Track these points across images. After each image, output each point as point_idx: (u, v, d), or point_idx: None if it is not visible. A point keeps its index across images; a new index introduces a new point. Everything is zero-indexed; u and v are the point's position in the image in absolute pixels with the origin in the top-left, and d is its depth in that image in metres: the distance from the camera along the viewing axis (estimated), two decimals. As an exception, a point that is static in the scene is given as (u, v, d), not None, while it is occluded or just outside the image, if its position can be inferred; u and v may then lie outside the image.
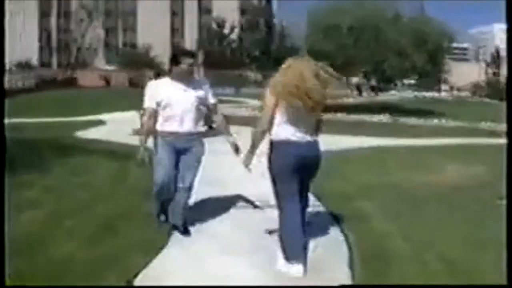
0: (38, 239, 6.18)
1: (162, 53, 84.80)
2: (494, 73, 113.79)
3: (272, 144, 5.61)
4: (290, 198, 5.56)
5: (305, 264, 5.39)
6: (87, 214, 7.39)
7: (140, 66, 73.83)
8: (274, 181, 5.69)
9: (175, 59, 6.34)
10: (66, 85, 58.50)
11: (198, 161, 6.53)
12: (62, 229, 6.63)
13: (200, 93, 6.45)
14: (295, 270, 5.31)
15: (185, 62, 6.30)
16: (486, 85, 56.65)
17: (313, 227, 6.38)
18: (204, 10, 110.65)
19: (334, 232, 6.70)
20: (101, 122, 22.73)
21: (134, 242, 6.19)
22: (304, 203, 5.82)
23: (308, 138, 5.58)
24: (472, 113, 28.56)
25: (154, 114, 6.32)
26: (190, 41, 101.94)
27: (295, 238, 5.47)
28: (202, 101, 6.45)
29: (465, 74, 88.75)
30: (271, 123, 5.55)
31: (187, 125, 6.36)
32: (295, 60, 5.60)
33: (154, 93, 6.34)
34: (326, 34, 28.15)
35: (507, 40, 7.98)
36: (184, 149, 6.41)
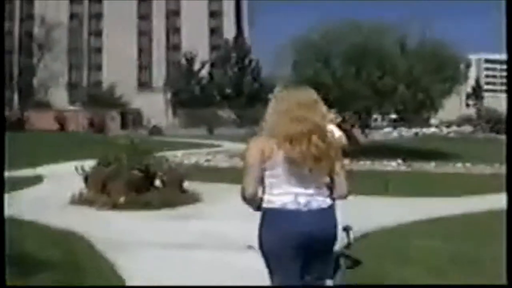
0: None
1: (128, 92, 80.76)
2: (475, 105, 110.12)
3: (262, 213, 4.11)
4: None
5: None
6: None
7: (103, 106, 68.11)
8: (266, 261, 4.17)
9: None
10: (14, 128, 51.61)
11: None
12: None
13: None
14: None
15: None
16: (477, 118, 51.97)
17: None
18: (172, 46, 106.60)
19: None
20: (36, 180, 17.45)
21: None
22: None
23: (314, 204, 4.07)
24: (493, 153, 24.06)
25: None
26: (158, 78, 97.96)
27: None
28: None
29: (446, 106, 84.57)
30: (257, 185, 4.09)
31: None
32: (287, 92, 4.46)
33: None
34: (318, 64, 23.39)
35: (507, 45, 6.79)
36: None
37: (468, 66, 25.77)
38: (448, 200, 12.92)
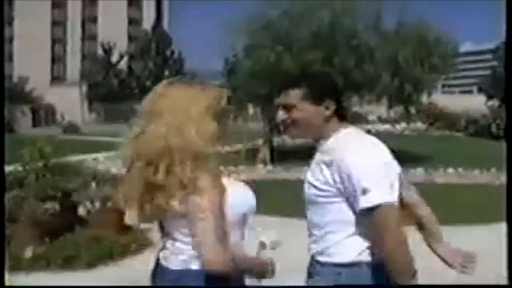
0: None
1: (40, 85, 75.68)
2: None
3: None
4: None
5: None
6: None
7: (13, 101, 62.00)
8: None
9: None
10: None
11: None
12: None
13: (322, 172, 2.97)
14: None
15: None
16: (416, 113, 48.20)
17: None
18: (88, 36, 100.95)
19: None
20: None
21: None
22: None
23: (173, 263, 2.88)
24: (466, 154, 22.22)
25: None
26: (73, 71, 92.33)
27: None
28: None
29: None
30: None
31: None
32: (169, 87, 2.84)
33: None
34: (278, 47, 19.57)
35: (506, 43, 6.87)
36: None
37: (456, 53, 22.15)
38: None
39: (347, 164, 2.78)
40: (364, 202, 2.73)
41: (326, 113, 2.98)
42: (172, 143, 2.63)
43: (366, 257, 2.92)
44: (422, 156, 21.23)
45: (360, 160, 2.80)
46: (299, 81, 3.11)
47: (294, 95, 3.01)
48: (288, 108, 3.03)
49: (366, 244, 2.92)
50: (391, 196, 2.79)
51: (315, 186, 2.95)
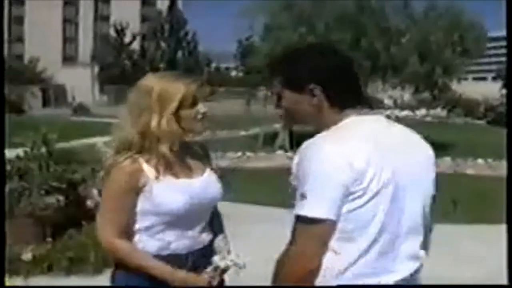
0: None
1: (52, 66, 75.08)
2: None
3: None
4: None
5: None
6: None
7: (24, 82, 61.20)
8: None
9: None
10: None
11: None
12: None
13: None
14: None
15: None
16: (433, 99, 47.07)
17: None
18: (100, 16, 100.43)
19: None
20: None
21: None
22: None
23: None
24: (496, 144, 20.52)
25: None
26: (84, 52, 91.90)
27: None
28: None
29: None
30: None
31: None
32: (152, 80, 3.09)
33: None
34: (301, 28, 18.74)
35: (507, 43, 6.06)
36: None
37: (484, 38, 21.38)
38: None
39: (300, 163, 2.54)
40: (299, 208, 2.39)
41: (314, 102, 2.57)
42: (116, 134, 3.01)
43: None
44: (447, 144, 20.37)
45: (313, 162, 2.47)
46: (278, 66, 2.80)
47: (277, 83, 2.74)
48: (277, 96, 2.76)
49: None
50: (324, 211, 2.38)
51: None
